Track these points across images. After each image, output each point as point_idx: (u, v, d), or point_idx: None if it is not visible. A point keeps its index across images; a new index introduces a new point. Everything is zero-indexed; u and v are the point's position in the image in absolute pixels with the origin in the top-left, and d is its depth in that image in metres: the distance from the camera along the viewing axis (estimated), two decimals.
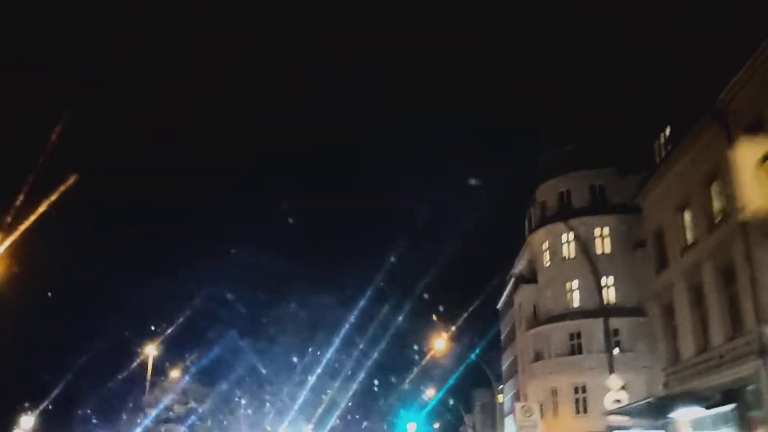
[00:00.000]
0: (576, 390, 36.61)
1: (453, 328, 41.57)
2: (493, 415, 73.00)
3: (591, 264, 26.54)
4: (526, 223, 44.87)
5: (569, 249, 38.71)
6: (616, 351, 35.75)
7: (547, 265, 40.07)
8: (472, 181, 30.22)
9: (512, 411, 41.13)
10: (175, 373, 49.12)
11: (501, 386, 72.72)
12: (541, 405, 38.83)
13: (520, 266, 45.91)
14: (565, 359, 36.75)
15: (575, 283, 38.05)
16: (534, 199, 42.40)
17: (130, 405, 49.66)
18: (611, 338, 37.95)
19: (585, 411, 35.86)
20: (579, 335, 36.79)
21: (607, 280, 37.17)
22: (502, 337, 56.42)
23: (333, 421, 51.44)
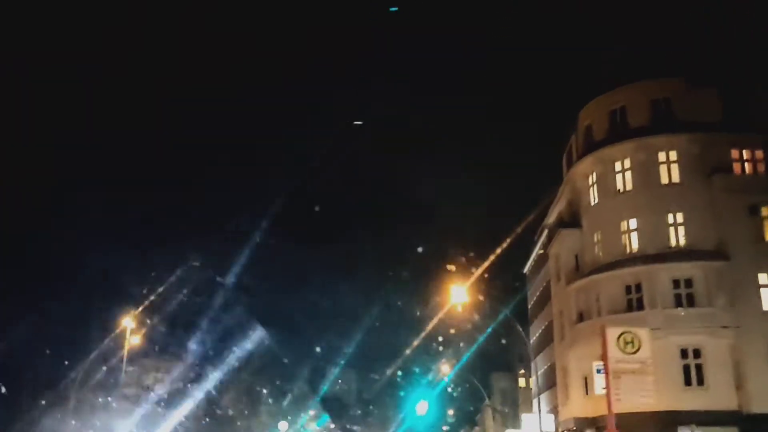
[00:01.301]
0: None
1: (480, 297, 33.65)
2: (513, 401, 65.45)
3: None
4: (564, 159, 36.63)
5: (624, 180, 30.43)
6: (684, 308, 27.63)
7: (595, 202, 31.79)
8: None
9: (583, 379, 33.19)
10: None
11: (521, 371, 65.79)
12: (586, 378, 30.77)
13: (556, 212, 37.66)
14: (621, 317, 28.49)
15: (633, 223, 29.79)
16: (576, 124, 34.13)
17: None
18: (682, 290, 30.03)
19: None
20: (639, 287, 28.57)
21: (676, 217, 28.97)
22: (529, 306, 48.25)
23: None
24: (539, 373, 44.25)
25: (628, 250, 29.71)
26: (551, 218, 39.15)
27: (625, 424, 28.20)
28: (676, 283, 27.85)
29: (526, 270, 49.46)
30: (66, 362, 39.43)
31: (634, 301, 28.72)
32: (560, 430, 34.54)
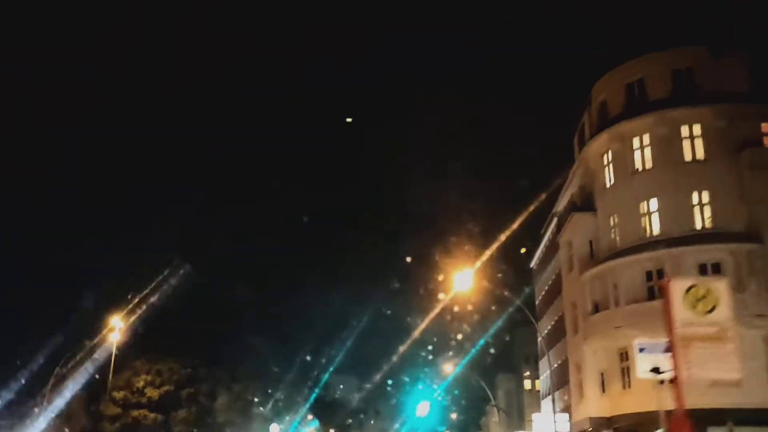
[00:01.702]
0: None
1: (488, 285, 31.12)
2: (518, 402, 62.84)
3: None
4: (576, 140, 34.12)
5: (643, 158, 27.90)
6: None
7: (611, 183, 29.24)
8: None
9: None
10: None
11: (527, 372, 63.12)
12: (603, 374, 28.22)
13: (566, 198, 35.10)
14: (642, 306, 25.94)
15: (653, 203, 27.25)
16: (589, 101, 31.64)
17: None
18: (708, 275, 27.40)
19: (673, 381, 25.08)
20: (661, 273, 25.93)
21: (701, 196, 26.42)
22: (537, 302, 45.63)
23: None
24: (549, 372, 41.66)
25: (648, 234, 27.14)
26: (561, 205, 36.60)
27: (647, 423, 25.73)
28: (702, 269, 25.26)
29: (533, 265, 46.89)
30: None
31: (655, 289, 26.12)
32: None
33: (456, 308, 42.74)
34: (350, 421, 68.29)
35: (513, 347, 62.72)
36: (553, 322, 38.75)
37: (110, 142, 72.00)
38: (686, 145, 26.95)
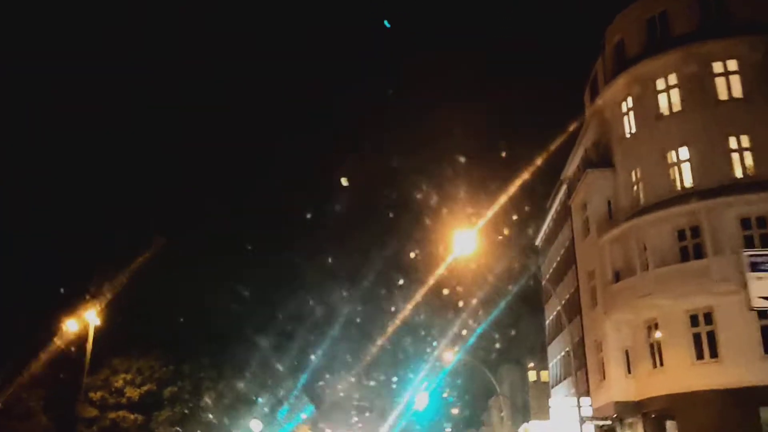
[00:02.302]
0: (694, 320, 22.05)
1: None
2: (523, 395, 59.39)
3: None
4: (587, 91, 30.36)
5: (670, 100, 24.16)
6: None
7: (631, 133, 25.47)
8: None
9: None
10: None
11: (531, 364, 59.94)
12: (627, 352, 24.51)
13: (577, 159, 31.31)
14: (674, 269, 22.21)
15: (683, 152, 23.50)
16: (602, 44, 27.89)
17: None
18: (753, 230, 23.68)
19: (714, 355, 21.33)
20: (696, 231, 22.23)
21: (740, 141, 22.71)
22: (544, 282, 41.80)
23: None
24: (559, 357, 37.91)
25: (678, 187, 23.41)
26: (570, 170, 32.85)
27: (683, 406, 21.98)
28: (745, 223, 21.57)
29: (538, 242, 43.13)
30: None
31: (690, 249, 22.39)
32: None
33: (460, 303, 39.42)
34: (355, 418, 65.48)
35: (517, 338, 59.71)
36: (563, 301, 34.98)
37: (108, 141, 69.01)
38: (720, 83, 23.24)
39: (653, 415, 23.22)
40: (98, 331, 34.58)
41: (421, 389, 40.01)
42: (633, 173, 25.08)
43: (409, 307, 40.88)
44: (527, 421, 52.08)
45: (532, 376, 59.38)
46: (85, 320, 34.05)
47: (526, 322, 56.09)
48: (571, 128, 30.06)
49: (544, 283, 41.73)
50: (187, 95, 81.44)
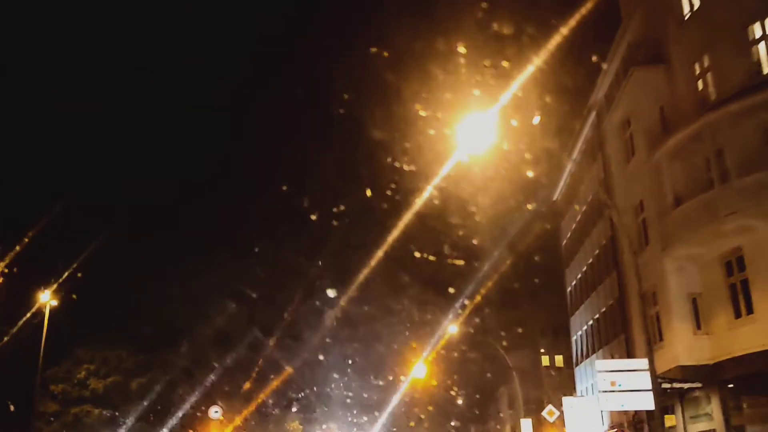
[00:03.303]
0: None
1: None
2: (534, 381, 54.23)
3: None
4: None
5: None
6: None
7: (694, 9, 19.15)
8: None
9: None
10: None
11: (542, 350, 55.47)
12: (696, 300, 18.29)
13: (609, 78, 24.97)
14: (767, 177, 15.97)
15: None
16: None
17: None
18: None
19: None
20: None
21: None
22: (564, 242, 35.73)
23: None
24: (583, 330, 31.73)
25: (766, 69, 17.17)
26: (600, 92, 26.57)
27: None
28: None
29: (556, 197, 36.90)
30: None
31: None
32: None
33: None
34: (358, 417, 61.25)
35: (528, 322, 55.34)
36: (591, 259, 28.76)
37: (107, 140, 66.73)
38: None
39: (743, 382, 16.96)
40: (62, 322, 30.08)
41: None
42: (697, 63, 18.80)
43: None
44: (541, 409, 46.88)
45: (544, 360, 54.82)
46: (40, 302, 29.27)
47: (538, 304, 52.01)
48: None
49: (564, 242, 35.66)
50: (187, 95, 77.81)
